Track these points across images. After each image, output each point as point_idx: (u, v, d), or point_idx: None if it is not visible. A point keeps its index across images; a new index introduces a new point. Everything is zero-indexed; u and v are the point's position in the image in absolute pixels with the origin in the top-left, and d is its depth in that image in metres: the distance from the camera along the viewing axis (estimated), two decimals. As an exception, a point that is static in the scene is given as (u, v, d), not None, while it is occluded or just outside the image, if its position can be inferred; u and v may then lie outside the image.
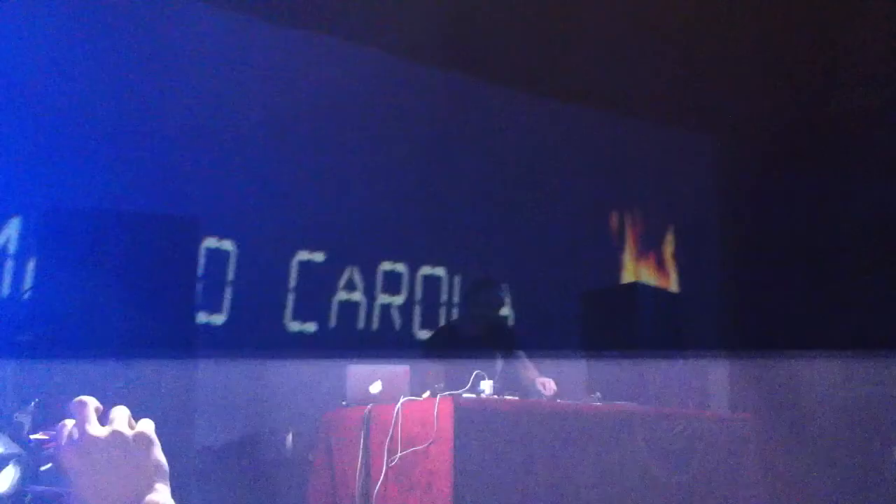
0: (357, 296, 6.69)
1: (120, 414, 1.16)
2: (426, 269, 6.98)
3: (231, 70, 6.35)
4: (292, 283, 6.39)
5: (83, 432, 1.13)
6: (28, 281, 5.33)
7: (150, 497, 1.13)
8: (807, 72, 7.58)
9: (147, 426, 1.17)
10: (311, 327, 6.41)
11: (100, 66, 5.86)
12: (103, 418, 1.16)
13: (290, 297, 6.38)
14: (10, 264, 5.40)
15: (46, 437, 1.26)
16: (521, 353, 5.94)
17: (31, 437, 1.31)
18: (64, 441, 1.14)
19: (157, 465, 1.16)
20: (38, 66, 5.58)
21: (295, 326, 6.34)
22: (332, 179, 6.74)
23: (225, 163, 6.31)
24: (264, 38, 6.60)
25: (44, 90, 5.59)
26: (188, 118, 6.11)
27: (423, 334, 6.67)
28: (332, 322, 6.52)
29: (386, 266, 6.88)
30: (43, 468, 1.25)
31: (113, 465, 1.12)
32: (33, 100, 5.55)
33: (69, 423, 1.15)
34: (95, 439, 1.13)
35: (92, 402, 1.16)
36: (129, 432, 1.15)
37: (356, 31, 6.82)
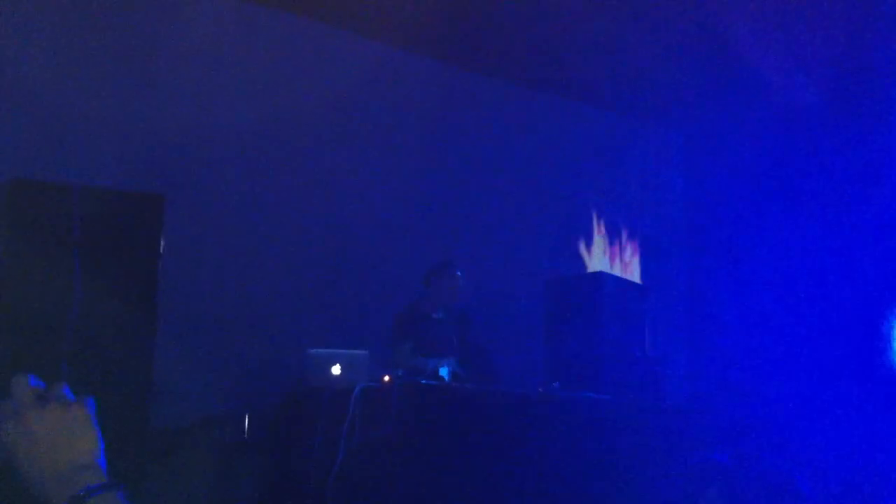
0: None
1: (56, 390, 1.21)
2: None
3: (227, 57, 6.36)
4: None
5: (20, 407, 1.18)
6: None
7: (84, 471, 1.17)
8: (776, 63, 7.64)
9: (83, 402, 1.22)
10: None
11: (96, 54, 5.86)
12: (40, 393, 1.21)
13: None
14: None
15: None
16: (476, 338, 6.02)
17: None
18: (2, 415, 1.19)
19: (93, 441, 1.21)
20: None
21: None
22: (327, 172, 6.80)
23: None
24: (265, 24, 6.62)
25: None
26: (183, 107, 6.12)
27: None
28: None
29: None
30: None
31: (48, 439, 1.17)
32: None
33: (8, 398, 1.20)
34: (31, 414, 1.18)
35: (28, 379, 1.21)
36: (65, 408, 1.19)
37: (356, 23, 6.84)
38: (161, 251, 5.39)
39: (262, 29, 6.66)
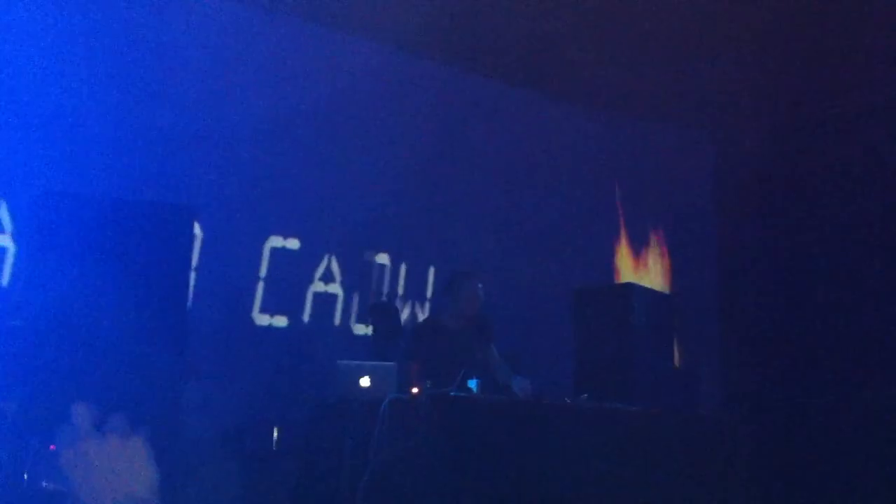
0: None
1: (116, 421, 1.22)
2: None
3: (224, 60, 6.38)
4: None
5: (80, 437, 1.20)
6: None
7: (138, 501, 1.19)
8: (807, 70, 7.57)
9: (141, 434, 1.23)
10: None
11: (98, 59, 5.89)
12: (101, 423, 1.23)
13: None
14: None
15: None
16: (502, 347, 6.00)
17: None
18: (63, 444, 1.20)
19: (148, 475, 1.22)
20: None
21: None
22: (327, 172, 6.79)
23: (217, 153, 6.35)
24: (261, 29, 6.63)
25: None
26: (183, 110, 6.13)
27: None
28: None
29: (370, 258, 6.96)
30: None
31: (105, 468, 1.18)
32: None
33: (69, 427, 1.21)
34: (90, 444, 1.19)
35: (89, 408, 1.23)
36: (124, 441, 1.21)
37: (354, 24, 6.84)
38: (193, 262, 5.43)
39: (279, 38, 6.67)
